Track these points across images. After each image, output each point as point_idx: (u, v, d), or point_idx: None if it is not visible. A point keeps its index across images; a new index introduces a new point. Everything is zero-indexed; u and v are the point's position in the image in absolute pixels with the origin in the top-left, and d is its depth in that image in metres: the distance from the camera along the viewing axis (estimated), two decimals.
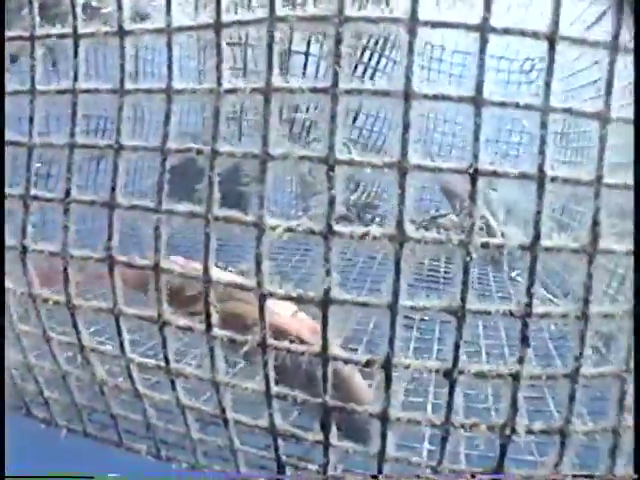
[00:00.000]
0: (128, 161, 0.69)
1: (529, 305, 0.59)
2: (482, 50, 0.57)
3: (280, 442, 0.74)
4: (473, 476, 0.69)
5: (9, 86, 0.74)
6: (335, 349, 0.65)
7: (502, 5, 0.65)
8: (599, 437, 0.66)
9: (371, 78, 2.27)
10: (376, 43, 2.28)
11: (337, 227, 0.60)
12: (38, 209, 0.74)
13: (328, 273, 0.61)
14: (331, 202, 0.60)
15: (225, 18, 0.62)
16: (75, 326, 0.76)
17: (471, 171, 0.57)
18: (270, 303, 0.65)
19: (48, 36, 0.71)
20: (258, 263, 0.63)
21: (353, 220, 2.20)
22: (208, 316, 0.67)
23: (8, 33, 0.73)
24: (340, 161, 0.59)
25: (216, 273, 0.67)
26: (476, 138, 0.57)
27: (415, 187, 0.58)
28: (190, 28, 0.65)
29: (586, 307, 0.60)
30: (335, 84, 0.58)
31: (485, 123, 0.58)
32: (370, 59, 2.30)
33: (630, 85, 0.62)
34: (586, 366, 0.62)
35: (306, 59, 2.09)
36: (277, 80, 0.61)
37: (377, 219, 2.39)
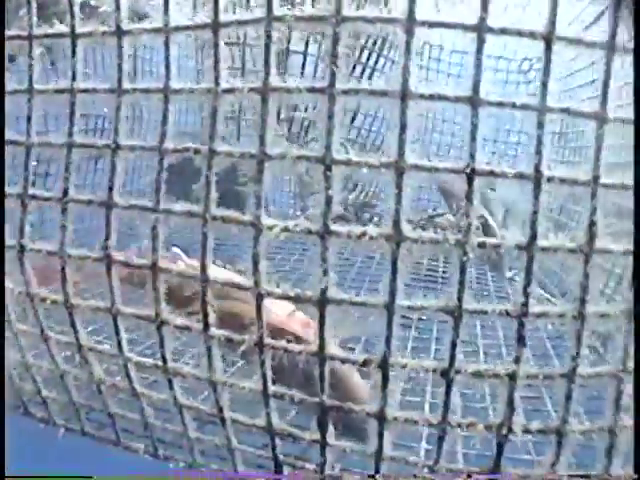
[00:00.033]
0: (126, 160, 0.70)
1: (525, 305, 0.60)
2: (479, 50, 0.57)
3: (277, 441, 0.74)
4: (469, 476, 0.69)
5: (8, 85, 0.74)
6: (332, 348, 0.65)
7: (499, 5, 0.66)
8: (596, 436, 0.66)
9: (369, 78, 2.27)
10: (374, 43, 2.28)
11: (334, 227, 0.60)
12: (36, 208, 0.75)
13: (325, 273, 0.61)
14: (328, 202, 0.60)
15: (223, 18, 0.62)
16: (73, 325, 0.76)
17: (468, 171, 0.57)
18: (268, 302, 0.65)
19: (46, 36, 0.72)
20: (255, 262, 0.63)
21: (351, 220, 2.20)
22: (205, 315, 0.67)
23: (7, 32, 0.73)
24: (337, 161, 0.59)
25: (214, 272, 0.67)
26: (473, 138, 0.57)
27: (412, 187, 0.58)
28: (188, 28, 0.65)
29: (583, 307, 0.60)
30: (332, 84, 0.58)
31: (483, 123, 0.58)
32: (368, 59, 2.30)
33: (627, 85, 0.62)
34: (583, 366, 0.62)
35: (304, 59, 2.08)
36: (275, 80, 0.61)
37: (375, 219, 2.39)
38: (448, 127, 2.58)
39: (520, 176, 0.58)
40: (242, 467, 0.80)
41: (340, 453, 0.72)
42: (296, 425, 0.73)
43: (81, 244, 0.73)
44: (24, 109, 0.74)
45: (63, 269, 0.73)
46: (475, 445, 0.76)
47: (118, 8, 0.67)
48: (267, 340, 0.66)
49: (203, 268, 0.66)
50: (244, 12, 0.62)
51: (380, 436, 0.67)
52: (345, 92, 0.59)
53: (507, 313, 0.60)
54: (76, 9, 0.70)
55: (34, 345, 0.84)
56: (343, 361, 0.65)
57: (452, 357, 0.62)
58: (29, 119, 0.73)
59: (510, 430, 0.64)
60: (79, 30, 0.69)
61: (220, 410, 0.73)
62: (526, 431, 0.65)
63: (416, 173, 0.58)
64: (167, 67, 0.66)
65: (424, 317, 0.65)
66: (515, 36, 0.57)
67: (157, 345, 0.72)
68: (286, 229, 0.61)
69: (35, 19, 0.72)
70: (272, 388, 0.69)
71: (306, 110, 2.03)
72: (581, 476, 0.67)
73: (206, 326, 0.68)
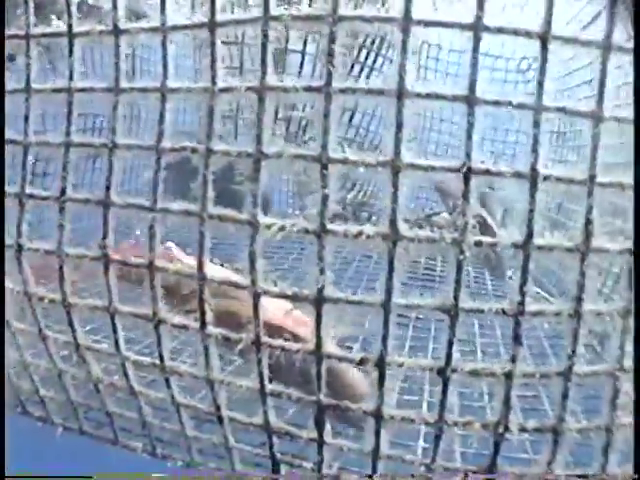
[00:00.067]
0: (124, 160, 0.70)
1: (522, 303, 0.60)
2: (475, 49, 0.57)
3: (275, 440, 0.74)
4: (466, 475, 0.69)
5: (7, 85, 0.74)
6: (329, 347, 0.65)
7: (497, 4, 0.66)
8: (592, 435, 0.66)
9: (367, 77, 2.27)
10: (373, 42, 2.28)
11: (331, 226, 0.60)
12: (34, 207, 0.75)
13: (322, 271, 0.61)
14: (324, 201, 0.60)
15: (220, 17, 0.62)
16: (71, 324, 0.76)
17: (464, 170, 0.58)
18: (265, 301, 0.65)
19: (43, 35, 0.72)
20: (252, 261, 0.63)
21: (348, 218, 2.20)
22: (203, 314, 0.68)
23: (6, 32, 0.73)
24: (333, 160, 0.59)
25: (211, 270, 0.67)
26: (469, 137, 0.57)
27: (408, 186, 0.59)
28: (185, 27, 0.65)
29: (579, 305, 0.60)
30: (329, 83, 0.59)
31: (481, 122, 0.58)
32: (367, 58, 2.30)
33: (625, 85, 0.62)
34: (579, 364, 0.62)
35: (302, 58, 2.08)
36: (272, 79, 0.61)
37: (374, 218, 2.39)
38: (447, 126, 2.58)
39: (517, 175, 0.58)
40: (240, 465, 0.80)
41: (337, 451, 0.72)
42: (293, 423, 0.73)
43: (79, 243, 0.73)
44: (22, 108, 0.74)
45: (61, 268, 0.73)
46: (473, 444, 0.76)
47: (115, 7, 0.67)
48: (264, 338, 0.66)
49: (200, 266, 0.66)
50: (241, 11, 0.62)
51: (377, 434, 0.67)
52: (342, 91, 0.59)
53: (503, 312, 0.60)
54: (73, 8, 0.70)
55: (32, 344, 0.84)
56: (340, 359, 0.66)
57: (448, 356, 0.62)
58: (27, 118, 0.73)
59: (507, 429, 0.64)
60: (76, 29, 0.70)
61: (218, 408, 0.73)
62: (523, 429, 0.65)
63: (412, 172, 0.58)
64: (164, 66, 0.66)
65: (422, 316, 0.66)
66: (511, 35, 0.57)
67: (155, 344, 0.72)
68: (283, 228, 0.61)
69: (33, 18, 0.72)
70: (269, 386, 0.69)
71: (304, 109, 2.03)
72: (579, 476, 0.67)
73: (203, 324, 0.68)
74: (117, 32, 0.68)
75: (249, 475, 0.81)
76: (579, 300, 0.60)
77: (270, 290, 0.64)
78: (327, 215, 0.60)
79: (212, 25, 0.62)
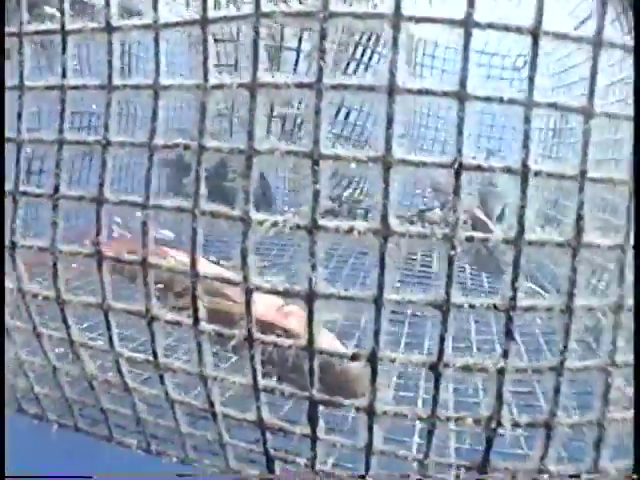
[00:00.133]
0: (117, 157, 0.70)
1: (513, 298, 0.60)
2: (466, 45, 0.57)
3: (269, 436, 0.74)
4: (458, 477, 0.69)
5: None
6: (322, 342, 0.65)
7: (491, 1, 0.66)
8: (585, 430, 0.66)
9: (363, 74, 2.27)
10: (368, 39, 2.28)
11: (322, 222, 0.60)
12: (27, 205, 0.75)
13: (314, 267, 0.61)
14: (316, 196, 0.60)
15: (211, 14, 0.63)
16: (65, 321, 0.76)
17: (455, 166, 0.58)
18: (256, 297, 0.65)
19: (36, 32, 0.72)
20: (244, 257, 0.63)
21: (342, 214, 2.20)
22: (195, 310, 0.68)
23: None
24: (325, 156, 0.59)
25: (204, 267, 0.67)
26: (460, 132, 0.57)
27: (400, 182, 0.59)
28: (177, 24, 0.65)
29: (571, 300, 0.60)
30: (320, 79, 0.59)
31: (477, 119, 0.58)
32: (362, 55, 2.30)
33: (618, 82, 0.62)
34: (571, 360, 0.62)
35: (297, 55, 2.08)
36: (264, 75, 0.61)
37: (370, 214, 2.38)
38: (441, 123, 2.58)
39: (507, 170, 0.58)
40: (234, 462, 0.80)
41: (331, 447, 0.72)
42: (287, 420, 0.73)
43: (72, 240, 0.73)
44: (16, 106, 0.74)
45: (55, 265, 0.73)
46: (466, 440, 0.76)
47: (108, 4, 0.67)
48: (256, 335, 0.66)
49: (193, 263, 0.66)
50: (233, 8, 0.62)
51: (370, 430, 0.67)
52: (333, 87, 0.59)
53: (495, 307, 0.60)
54: (66, 6, 0.70)
55: (27, 342, 0.84)
56: (332, 355, 0.66)
57: (440, 351, 0.62)
58: (19, 116, 0.73)
59: (499, 424, 0.65)
60: (69, 27, 0.70)
61: (211, 405, 0.74)
62: (515, 425, 0.65)
63: (404, 168, 0.58)
64: (157, 63, 0.66)
65: (419, 313, 0.66)
66: (502, 31, 0.57)
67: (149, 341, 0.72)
68: (275, 224, 0.62)
69: (26, 16, 0.72)
70: (262, 382, 0.69)
71: (299, 107, 2.03)
72: (571, 476, 0.68)
73: (196, 321, 0.68)
74: (110, 29, 0.68)
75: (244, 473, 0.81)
76: (571, 295, 0.60)
77: (262, 286, 0.64)
78: (319, 211, 0.60)
79: (204, 22, 0.63)
